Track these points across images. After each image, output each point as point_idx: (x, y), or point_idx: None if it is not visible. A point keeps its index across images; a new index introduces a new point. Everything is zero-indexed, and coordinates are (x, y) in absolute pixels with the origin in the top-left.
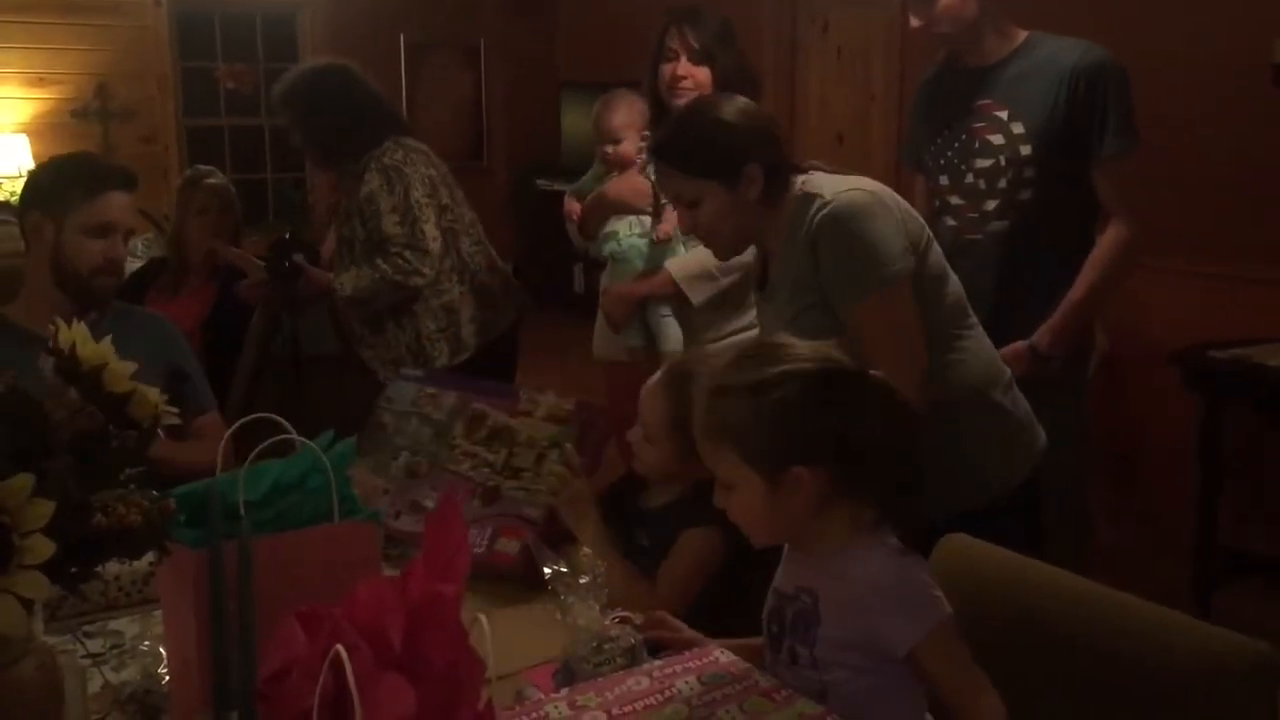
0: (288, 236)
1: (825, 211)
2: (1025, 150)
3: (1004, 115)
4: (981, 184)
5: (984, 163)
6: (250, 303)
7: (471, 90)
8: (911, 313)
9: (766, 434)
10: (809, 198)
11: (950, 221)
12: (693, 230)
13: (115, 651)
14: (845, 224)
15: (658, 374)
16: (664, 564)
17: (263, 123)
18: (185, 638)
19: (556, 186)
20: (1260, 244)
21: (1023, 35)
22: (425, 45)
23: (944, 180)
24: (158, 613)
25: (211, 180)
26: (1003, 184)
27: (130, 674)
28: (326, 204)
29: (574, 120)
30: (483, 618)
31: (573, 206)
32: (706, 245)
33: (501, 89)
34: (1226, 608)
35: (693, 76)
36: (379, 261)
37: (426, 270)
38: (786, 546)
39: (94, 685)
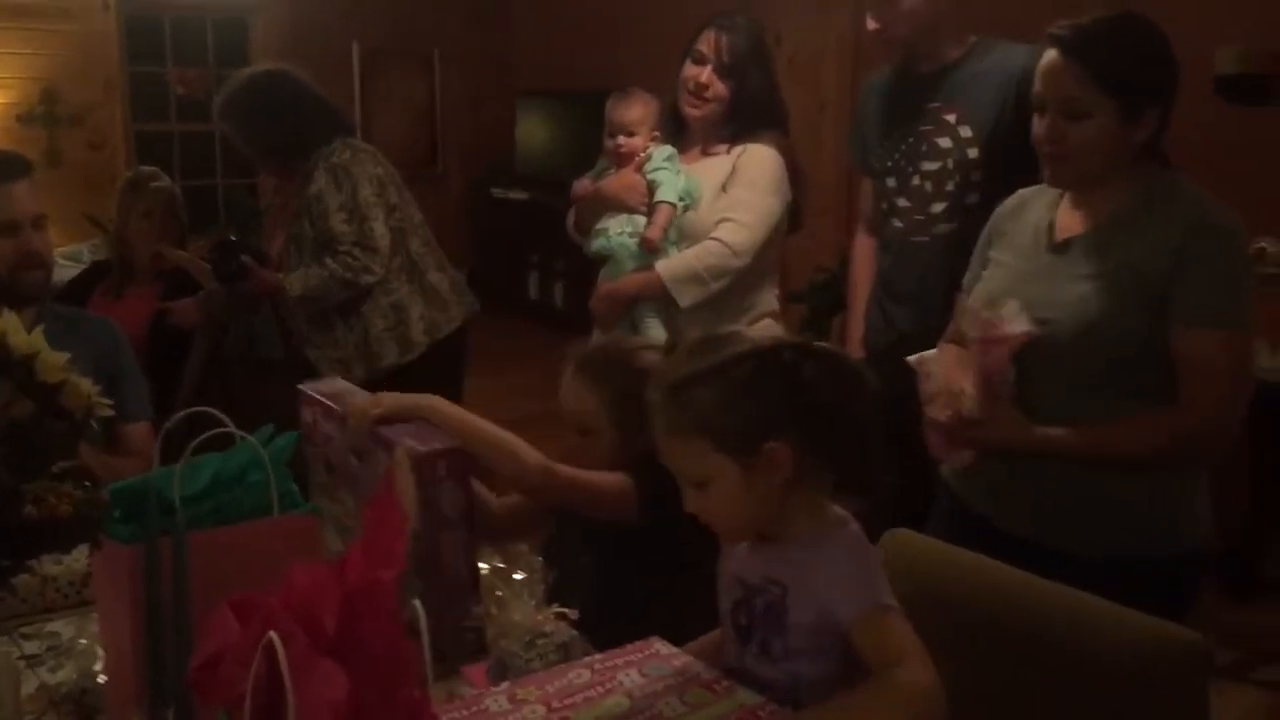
0: (233, 239)
1: (1222, 224)
2: (973, 153)
3: (952, 119)
4: (928, 186)
5: (931, 165)
6: (185, 328)
7: (426, 97)
8: (1251, 363)
9: (734, 414)
10: (1184, 187)
11: (897, 224)
12: (1047, 139)
13: (52, 653)
14: (1238, 245)
15: (567, 373)
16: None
17: (214, 128)
18: (121, 635)
19: (511, 195)
20: None
21: (972, 40)
22: (380, 52)
23: (891, 182)
24: (96, 614)
25: (156, 183)
26: (950, 186)
27: (66, 674)
28: (273, 207)
29: (529, 129)
30: (417, 603)
31: (577, 195)
32: (1049, 162)
33: (456, 97)
34: None
35: (714, 88)
36: (328, 260)
37: (376, 268)
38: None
39: (30, 686)
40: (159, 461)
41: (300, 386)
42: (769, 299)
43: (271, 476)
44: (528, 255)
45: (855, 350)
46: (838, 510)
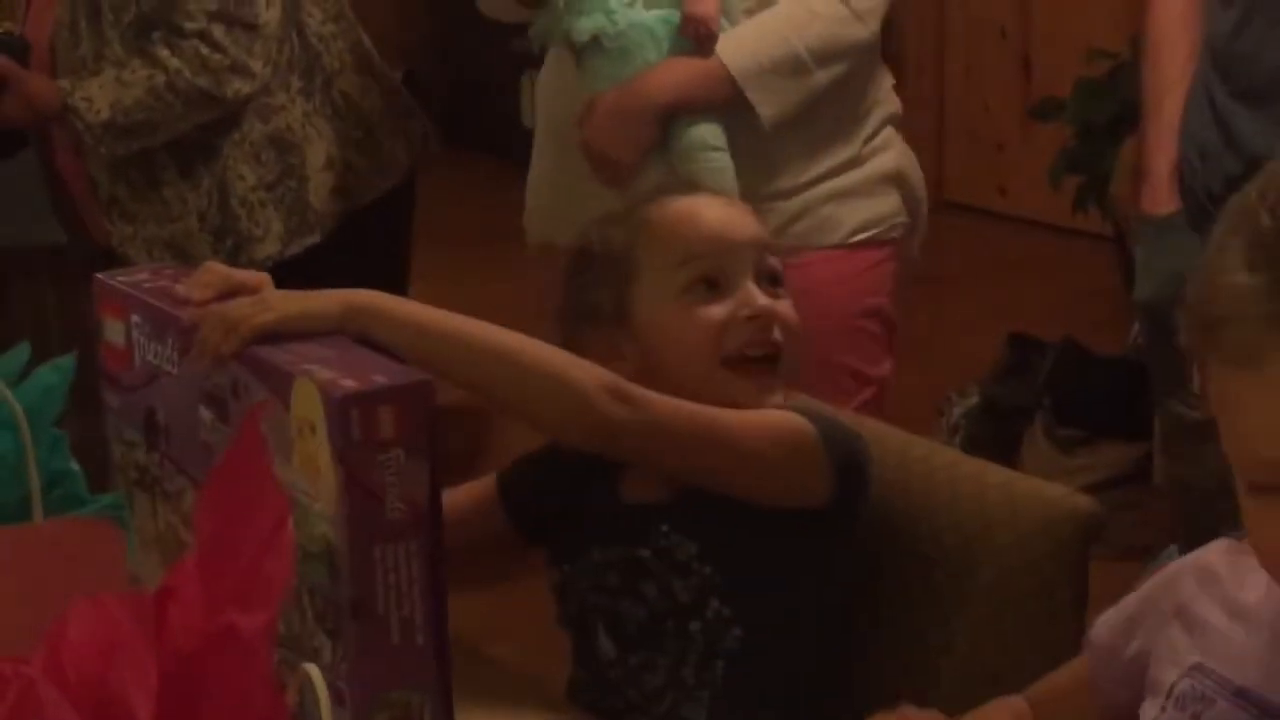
0: None
1: None
2: None
3: None
4: None
5: None
6: None
7: None
8: None
9: None
10: None
11: None
12: None
13: None
14: None
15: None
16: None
17: None
18: None
19: None
20: None
21: None
22: None
23: None
24: None
25: None
26: None
27: None
28: None
29: None
30: (313, 670)
31: None
32: None
33: None
34: None
35: None
36: (159, 51)
37: (255, 65)
38: None
39: None
40: None
41: (99, 276)
42: (886, 89)
43: (29, 446)
44: (520, 44)
45: (1163, 202)
46: None
